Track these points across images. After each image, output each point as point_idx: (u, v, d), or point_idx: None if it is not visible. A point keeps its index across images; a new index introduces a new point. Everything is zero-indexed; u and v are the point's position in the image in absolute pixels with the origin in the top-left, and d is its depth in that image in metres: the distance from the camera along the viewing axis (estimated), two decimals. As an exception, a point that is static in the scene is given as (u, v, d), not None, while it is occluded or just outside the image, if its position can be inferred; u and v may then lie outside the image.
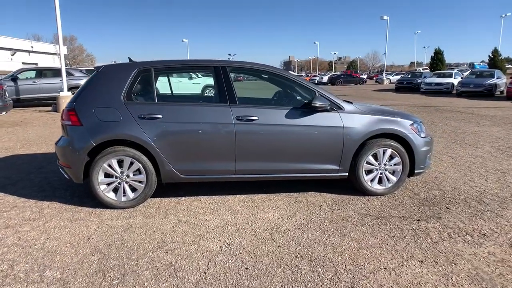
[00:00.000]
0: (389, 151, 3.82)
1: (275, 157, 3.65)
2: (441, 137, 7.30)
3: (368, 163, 3.82)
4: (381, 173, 3.88)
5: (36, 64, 36.53)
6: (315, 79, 42.35)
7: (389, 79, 35.44)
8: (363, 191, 3.89)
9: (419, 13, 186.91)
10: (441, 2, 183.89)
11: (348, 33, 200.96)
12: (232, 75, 3.77)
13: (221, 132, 3.53)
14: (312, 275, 2.38)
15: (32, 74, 13.92)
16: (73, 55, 59.28)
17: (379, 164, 3.85)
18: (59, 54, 12.85)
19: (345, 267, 2.49)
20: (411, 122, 3.92)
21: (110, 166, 3.46)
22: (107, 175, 3.50)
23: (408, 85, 24.22)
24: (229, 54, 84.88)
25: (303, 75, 60.05)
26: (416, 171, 3.93)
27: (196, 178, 3.65)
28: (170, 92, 4.37)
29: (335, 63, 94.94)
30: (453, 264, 2.51)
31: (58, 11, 11.78)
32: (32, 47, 39.01)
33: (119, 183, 3.51)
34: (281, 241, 2.87)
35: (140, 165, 3.49)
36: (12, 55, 36.34)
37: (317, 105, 3.56)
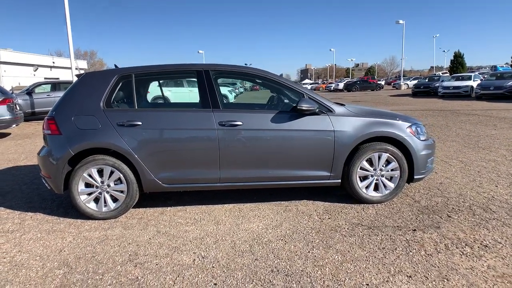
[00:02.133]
0: (385, 156, 3.57)
1: (262, 164, 3.47)
2: (453, 141, 6.91)
3: (362, 168, 3.58)
4: (377, 180, 3.63)
5: (58, 78, 37.77)
6: (331, 86, 41.92)
7: (407, 84, 34.56)
8: (358, 199, 3.64)
9: (438, 16, 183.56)
10: (460, 4, 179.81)
11: (365, 39, 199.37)
12: (219, 80, 3.65)
13: (203, 138, 3.39)
14: (284, 292, 2.17)
15: (48, 88, 14.32)
16: (94, 69, 61.12)
17: (374, 169, 3.60)
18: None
19: (323, 283, 2.26)
20: (409, 124, 3.66)
21: (90, 175, 3.37)
22: (87, 185, 3.41)
23: (425, 89, 23.52)
24: (245, 64, 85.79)
25: (319, 82, 59.67)
26: (415, 177, 3.65)
27: (180, 187, 3.50)
28: (158, 98, 4.28)
29: (352, 69, 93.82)
30: (445, 280, 2.24)
31: (69, 28, 12.12)
32: (53, 62, 40.53)
33: (100, 193, 3.41)
34: (259, 254, 2.66)
35: (121, 174, 3.38)
36: (35, 70, 37.83)
37: (304, 108, 3.36)
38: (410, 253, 2.60)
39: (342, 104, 3.89)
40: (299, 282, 2.28)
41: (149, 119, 3.38)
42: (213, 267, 2.50)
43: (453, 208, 3.46)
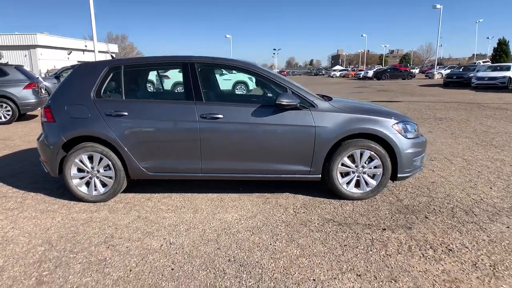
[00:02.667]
0: (367, 153, 3.54)
1: (242, 156, 3.55)
2: (466, 137, 6.63)
3: (343, 165, 3.58)
4: (358, 176, 3.62)
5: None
6: (360, 74, 40.69)
7: (441, 73, 32.84)
8: (338, 195, 3.65)
9: (481, 0, 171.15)
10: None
11: (401, 25, 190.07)
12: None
13: (185, 130, 3.51)
14: (232, 281, 2.28)
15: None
16: (124, 53, 62.87)
17: (356, 166, 3.59)
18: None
19: (272, 275, 2.35)
20: (395, 121, 3.59)
21: (81, 161, 3.61)
22: (79, 170, 3.65)
23: (458, 79, 22.32)
24: (274, 49, 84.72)
25: (349, 69, 58.01)
26: (399, 175, 3.60)
27: (164, 175, 3.68)
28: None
29: (386, 56, 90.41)
30: (392, 281, 2.26)
31: (93, 11, 12.55)
32: (86, 46, 42.03)
33: (90, 178, 3.65)
34: (223, 243, 2.79)
35: (109, 161, 3.59)
36: (69, 54, 39.52)
37: (283, 103, 3.39)
38: (370, 252, 2.62)
39: (329, 98, 3.87)
40: (250, 272, 2.38)
41: (135, 110, 3.55)
42: (176, 253, 2.66)
43: (434, 209, 3.40)
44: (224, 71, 17.39)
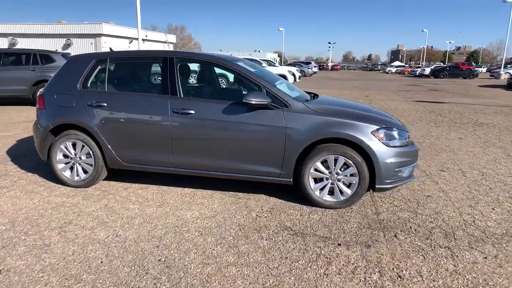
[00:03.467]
0: (341, 159, 3.27)
1: (212, 153, 3.48)
2: (500, 148, 5.88)
3: (317, 170, 3.35)
4: (332, 184, 3.36)
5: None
6: (417, 71, 37.96)
7: (509, 73, 29.46)
8: (310, 201, 3.44)
9: None
10: None
11: (469, 19, 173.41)
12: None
13: (158, 123, 3.52)
14: (148, 282, 2.25)
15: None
16: (182, 43, 65.30)
17: (330, 173, 3.34)
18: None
19: (191, 281, 2.27)
20: (376, 127, 3.27)
21: (66, 148, 3.80)
22: (65, 156, 3.85)
23: (526, 80, 19.86)
24: (329, 43, 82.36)
25: (406, 66, 54.37)
26: (377, 186, 3.29)
27: (138, 166, 3.73)
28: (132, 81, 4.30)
29: (452, 53, 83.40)
30: (310, 304, 2.06)
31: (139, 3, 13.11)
32: (146, 36, 44.19)
33: (74, 164, 3.83)
34: (165, 242, 2.76)
35: (89, 149, 3.74)
36: (130, 43, 41.97)
37: (252, 102, 3.24)
38: (308, 268, 2.43)
39: (313, 97, 3.64)
40: (171, 275, 2.33)
41: (113, 101, 3.63)
42: (115, 246, 2.69)
43: (410, 227, 3.05)
44: (264, 64, 17.29)
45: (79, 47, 36.72)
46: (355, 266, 2.46)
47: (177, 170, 3.64)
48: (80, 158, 3.80)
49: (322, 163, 3.34)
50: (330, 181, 3.36)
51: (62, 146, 3.80)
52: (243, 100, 3.24)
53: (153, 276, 2.32)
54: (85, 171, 3.84)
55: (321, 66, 66.51)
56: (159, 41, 48.16)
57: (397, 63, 70.09)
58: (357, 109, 3.66)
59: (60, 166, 3.86)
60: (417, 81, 28.63)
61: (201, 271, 2.39)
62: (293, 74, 20.54)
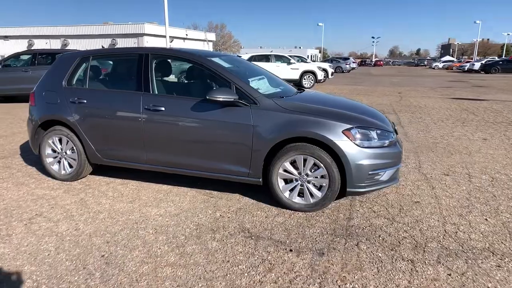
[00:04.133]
0: (311, 160, 3.08)
1: (182, 151, 3.45)
2: (528, 151, 5.25)
3: (286, 171, 3.19)
4: (302, 185, 3.18)
5: (188, 49, 41.88)
6: (465, 66, 35.20)
7: None
8: (279, 203, 3.29)
9: None
10: None
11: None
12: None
13: (131, 120, 3.55)
14: (79, 277, 2.26)
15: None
16: (222, 41, 66.25)
17: (299, 173, 3.16)
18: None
19: (121, 279, 2.25)
20: (348, 126, 3.03)
21: (53, 142, 3.97)
22: (53, 150, 4.03)
23: None
24: (373, 38, 79.11)
25: (455, 60, 50.64)
26: (349, 189, 3.06)
27: (115, 162, 3.80)
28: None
29: (511, 46, 76.48)
30: (227, 313, 1.95)
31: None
32: (186, 34, 45.46)
33: (60, 158, 4.00)
34: (117, 238, 2.77)
35: (73, 144, 3.87)
36: (171, 42, 43.36)
37: (215, 99, 3.14)
38: (245, 274, 2.31)
39: (298, 92, 3.48)
40: (105, 272, 2.32)
41: (92, 98, 3.73)
42: (69, 239, 2.75)
43: (379, 236, 2.80)
44: (292, 60, 17.02)
45: (123, 46, 38.68)
46: (296, 275, 2.29)
47: (150, 167, 3.66)
48: (66, 152, 3.95)
49: (291, 163, 3.17)
50: (300, 182, 3.18)
51: (50, 141, 3.98)
52: (207, 97, 3.15)
53: (89, 272, 2.33)
54: (70, 166, 3.99)
55: (363, 62, 64.13)
56: (199, 39, 49.19)
57: (447, 57, 65.64)
58: (337, 107, 3.42)
59: (48, 160, 4.05)
60: (464, 76, 26.59)
61: (136, 269, 2.36)
62: (325, 70, 19.96)
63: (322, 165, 3.06)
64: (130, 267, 2.38)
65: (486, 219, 3.06)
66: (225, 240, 2.74)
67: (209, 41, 50.67)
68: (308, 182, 3.16)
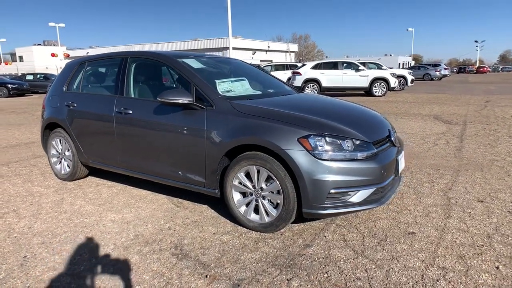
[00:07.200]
0: (264, 172, 2.64)
1: (147, 156, 3.31)
2: None
3: (241, 183, 2.79)
4: (256, 200, 2.74)
5: (271, 61, 43.00)
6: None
7: None
8: (235, 219, 2.89)
9: None
10: None
11: None
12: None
13: (105, 123, 3.56)
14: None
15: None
16: (306, 51, 66.03)
17: (253, 187, 2.74)
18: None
19: (15, 282, 2.16)
20: (306, 134, 2.50)
21: (56, 144, 4.23)
22: (56, 151, 4.29)
23: None
24: (476, 41, 69.95)
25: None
26: (305, 210, 2.52)
27: (99, 165, 3.84)
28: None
29: None
30: None
31: (229, 13, 13.84)
32: (268, 46, 46.56)
33: (61, 159, 4.23)
34: (53, 240, 2.71)
35: (68, 146, 4.06)
36: (253, 54, 44.83)
37: (165, 101, 2.89)
38: (134, 297, 2.00)
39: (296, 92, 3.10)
40: (11, 272, 2.26)
41: (81, 101, 3.86)
42: (14, 237, 2.79)
43: (325, 273, 2.20)
44: (360, 67, 15.94)
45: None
46: (187, 308, 1.91)
47: (125, 171, 3.60)
48: (65, 154, 4.17)
49: (246, 175, 2.76)
50: (254, 197, 2.75)
51: (53, 142, 4.24)
52: (157, 98, 2.95)
53: (6, 269, 2.31)
54: (69, 166, 4.19)
55: (462, 69, 56.90)
56: (281, 50, 49.89)
57: None
58: (307, 112, 2.85)
59: (53, 160, 4.32)
60: None
61: (40, 275, 2.25)
62: (403, 77, 18.21)
63: (275, 178, 2.58)
64: (36, 273, 2.29)
65: (497, 267, 2.20)
66: (148, 255, 2.47)
67: (291, 52, 50.98)
68: (263, 197, 2.70)
